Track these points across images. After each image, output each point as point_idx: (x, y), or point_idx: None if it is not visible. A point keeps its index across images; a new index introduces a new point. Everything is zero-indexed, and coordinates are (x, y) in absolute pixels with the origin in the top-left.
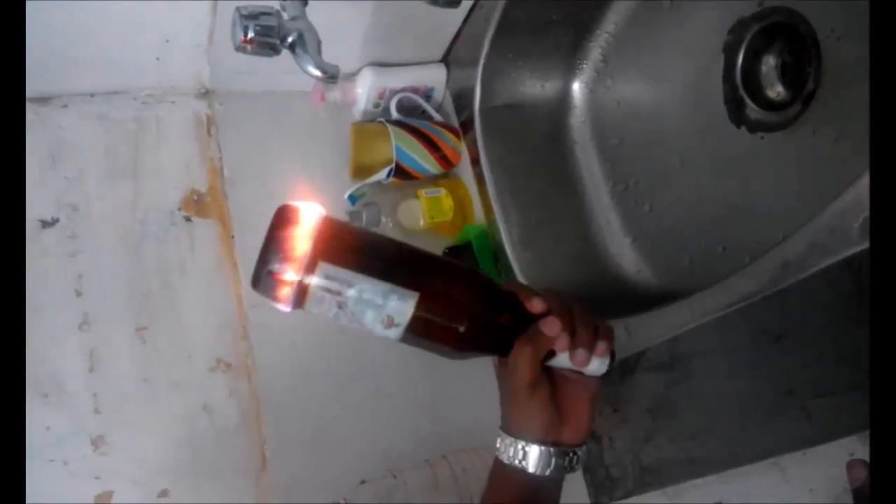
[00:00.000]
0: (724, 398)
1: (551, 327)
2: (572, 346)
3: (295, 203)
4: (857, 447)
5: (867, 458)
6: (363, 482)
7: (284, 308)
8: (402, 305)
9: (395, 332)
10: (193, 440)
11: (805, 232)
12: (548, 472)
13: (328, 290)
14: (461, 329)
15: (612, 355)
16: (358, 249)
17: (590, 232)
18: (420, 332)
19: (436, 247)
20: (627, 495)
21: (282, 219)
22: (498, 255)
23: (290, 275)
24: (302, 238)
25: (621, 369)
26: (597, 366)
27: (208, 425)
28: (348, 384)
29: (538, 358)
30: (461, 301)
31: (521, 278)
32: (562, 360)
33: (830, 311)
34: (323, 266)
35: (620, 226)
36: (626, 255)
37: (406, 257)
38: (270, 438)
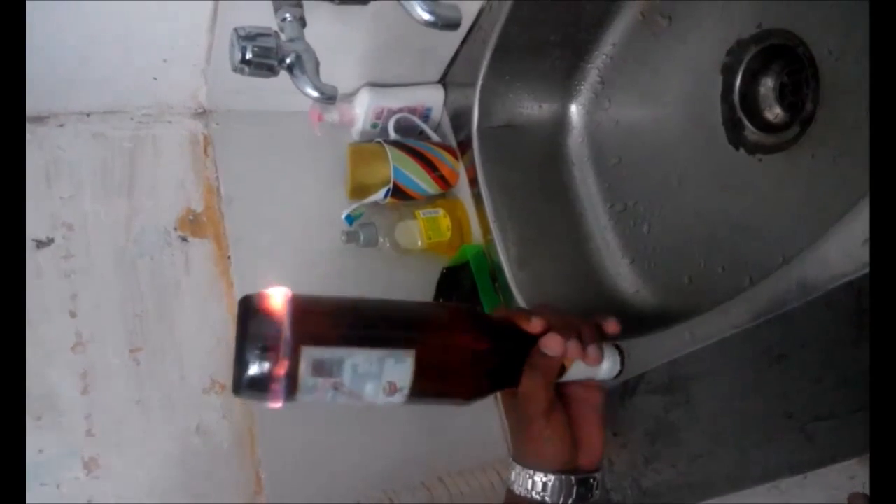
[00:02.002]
0: (723, 421)
1: (553, 344)
2: (583, 348)
3: (256, 292)
4: (857, 471)
5: (867, 481)
6: None
7: (276, 405)
8: (400, 367)
9: (399, 397)
10: (187, 462)
11: (808, 255)
12: (570, 503)
13: (319, 375)
14: (466, 374)
15: (622, 354)
16: (338, 322)
17: (588, 252)
18: (425, 389)
19: (433, 267)
20: None
21: (247, 311)
22: (495, 275)
23: (273, 370)
24: (275, 326)
25: (620, 392)
26: (609, 367)
27: (202, 447)
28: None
29: (551, 380)
30: (459, 345)
31: (518, 298)
32: (574, 371)
33: (830, 332)
34: (307, 350)
35: (618, 246)
36: (624, 276)
37: (389, 316)
38: (265, 460)
